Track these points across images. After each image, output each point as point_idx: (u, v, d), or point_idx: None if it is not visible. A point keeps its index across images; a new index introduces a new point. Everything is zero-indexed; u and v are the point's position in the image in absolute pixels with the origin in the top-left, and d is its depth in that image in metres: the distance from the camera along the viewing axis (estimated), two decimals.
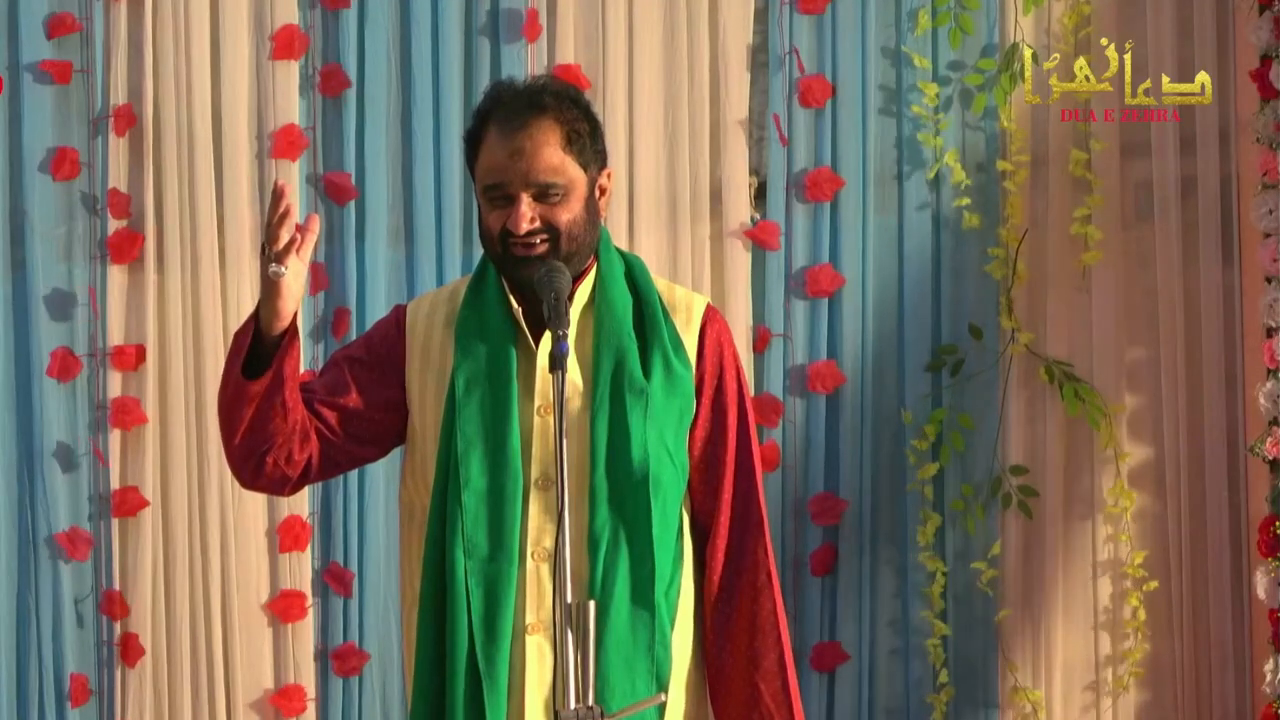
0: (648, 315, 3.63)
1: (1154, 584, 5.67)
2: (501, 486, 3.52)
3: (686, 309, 3.68)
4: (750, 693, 3.63)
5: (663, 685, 3.55)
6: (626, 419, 3.55)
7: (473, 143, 3.59)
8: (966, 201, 5.66)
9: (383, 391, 3.64)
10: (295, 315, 3.47)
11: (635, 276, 3.67)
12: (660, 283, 3.71)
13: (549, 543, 3.53)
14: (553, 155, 3.53)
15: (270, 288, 3.41)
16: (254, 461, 3.58)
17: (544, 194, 3.53)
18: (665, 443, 3.59)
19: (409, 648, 3.64)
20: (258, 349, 3.49)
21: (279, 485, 3.62)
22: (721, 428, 3.66)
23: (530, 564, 3.53)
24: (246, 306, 5.47)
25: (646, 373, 3.58)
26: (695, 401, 3.65)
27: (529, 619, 3.53)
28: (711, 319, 3.70)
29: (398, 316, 3.69)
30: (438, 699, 3.53)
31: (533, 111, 3.54)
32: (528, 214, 3.52)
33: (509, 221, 3.52)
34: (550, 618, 3.52)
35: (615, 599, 3.51)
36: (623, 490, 3.54)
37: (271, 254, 3.39)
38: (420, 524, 3.62)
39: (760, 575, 3.64)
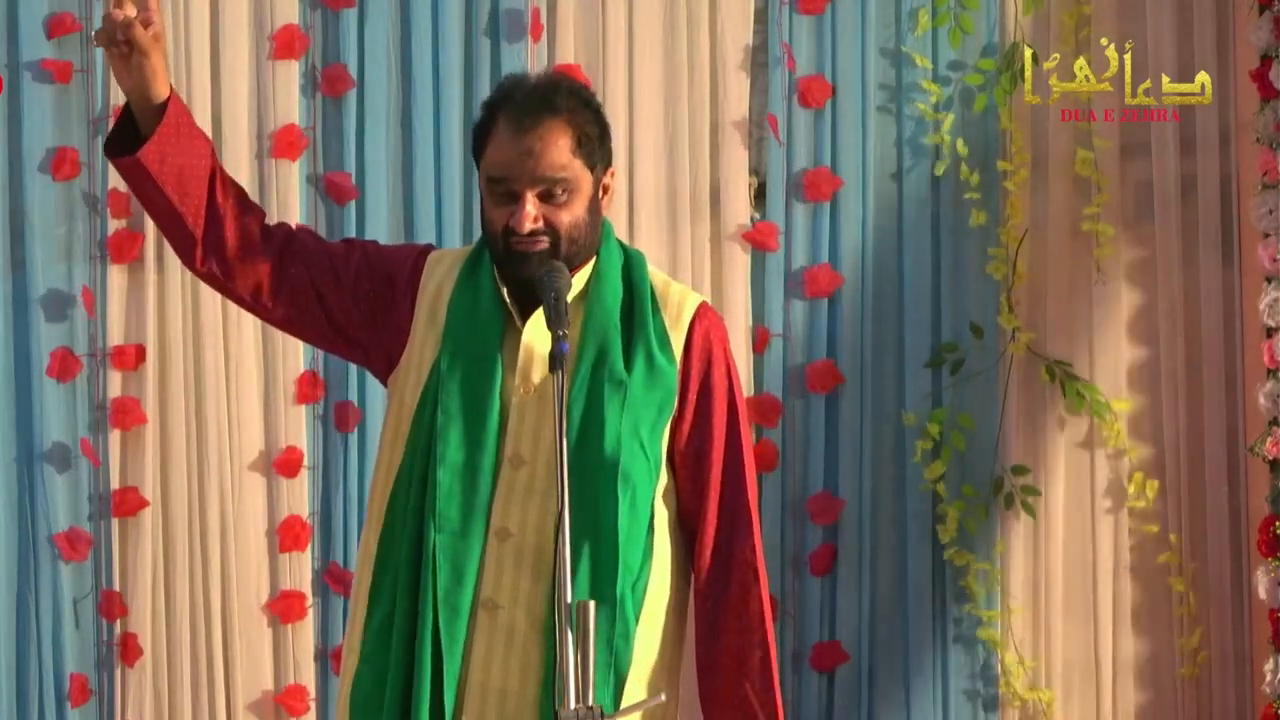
0: (636, 309, 3.64)
1: (1152, 584, 5.67)
2: (476, 463, 3.54)
3: (678, 305, 3.69)
4: (735, 690, 3.63)
5: (621, 680, 3.56)
6: (602, 410, 3.56)
7: (481, 133, 3.60)
8: (966, 201, 5.66)
9: (365, 294, 3.64)
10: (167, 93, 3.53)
11: (632, 270, 3.68)
12: (658, 278, 3.72)
13: (513, 522, 3.54)
14: (561, 156, 3.54)
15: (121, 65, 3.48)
16: (185, 244, 3.63)
17: (549, 194, 3.54)
18: (640, 436, 3.59)
19: (356, 604, 3.64)
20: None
21: (218, 279, 3.67)
22: (707, 425, 3.66)
23: (492, 540, 3.54)
24: None
25: (628, 365, 3.60)
26: (678, 397, 3.65)
27: (484, 594, 3.53)
28: (702, 316, 3.69)
29: (420, 256, 3.69)
30: (398, 666, 3.53)
31: (546, 111, 3.55)
32: (532, 213, 3.53)
33: (512, 220, 3.53)
34: (509, 596, 3.53)
35: (575, 589, 3.51)
36: (591, 481, 3.55)
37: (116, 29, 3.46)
38: (386, 480, 3.62)
39: (747, 574, 3.65)
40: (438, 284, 3.66)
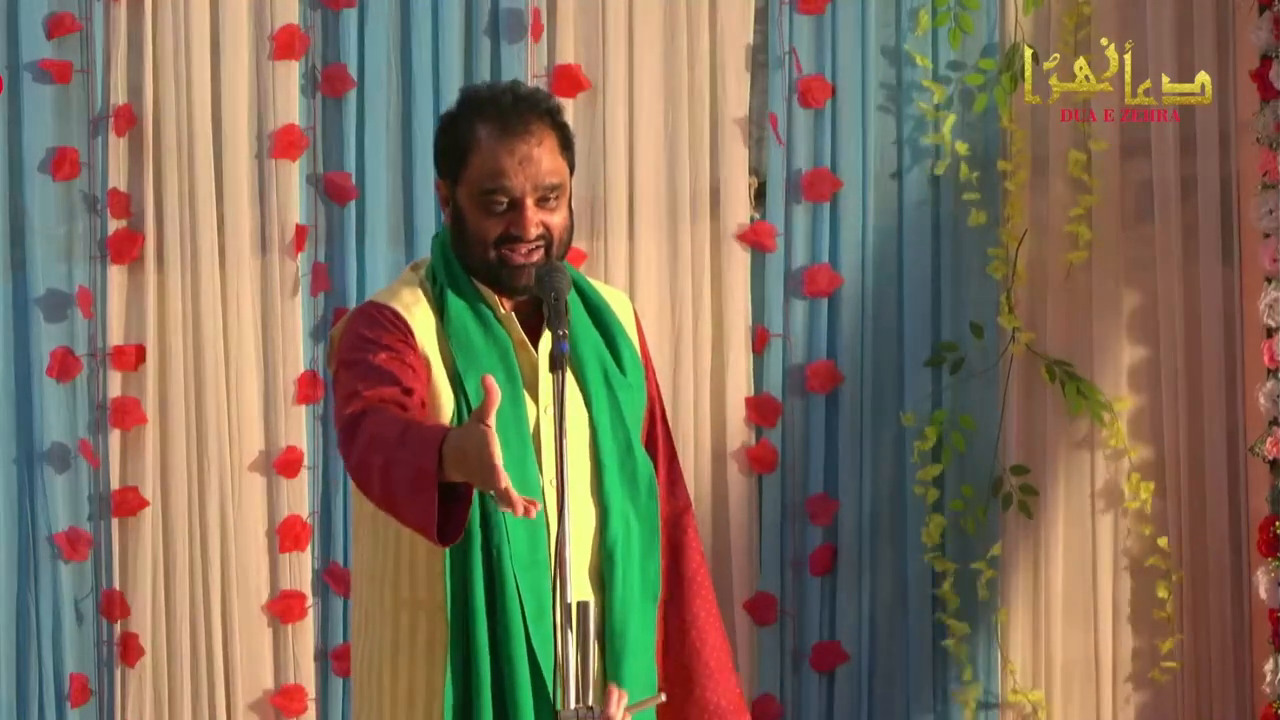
0: (601, 313, 3.65)
1: (1151, 584, 5.68)
2: (528, 493, 3.49)
3: (620, 303, 3.72)
4: (698, 661, 3.65)
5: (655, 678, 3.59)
6: (624, 418, 3.59)
7: (459, 146, 3.55)
8: (966, 201, 5.66)
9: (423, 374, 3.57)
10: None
11: (572, 276, 3.68)
12: (589, 280, 3.74)
13: (568, 544, 3.53)
14: (553, 159, 3.54)
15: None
16: None
17: (544, 198, 3.53)
18: (641, 436, 3.64)
19: (391, 648, 3.60)
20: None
21: None
22: (653, 415, 3.70)
23: (552, 566, 3.53)
24: (246, 306, 5.48)
25: (621, 368, 3.61)
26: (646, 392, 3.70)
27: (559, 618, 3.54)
28: (634, 310, 3.75)
29: (393, 316, 3.57)
30: (496, 704, 3.51)
31: (534, 115, 3.54)
32: (534, 219, 3.51)
33: (514, 226, 3.51)
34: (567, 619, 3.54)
35: (634, 599, 3.53)
36: (633, 489, 3.58)
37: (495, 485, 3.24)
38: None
39: (696, 557, 3.70)
40: (422, 330, 3.57)
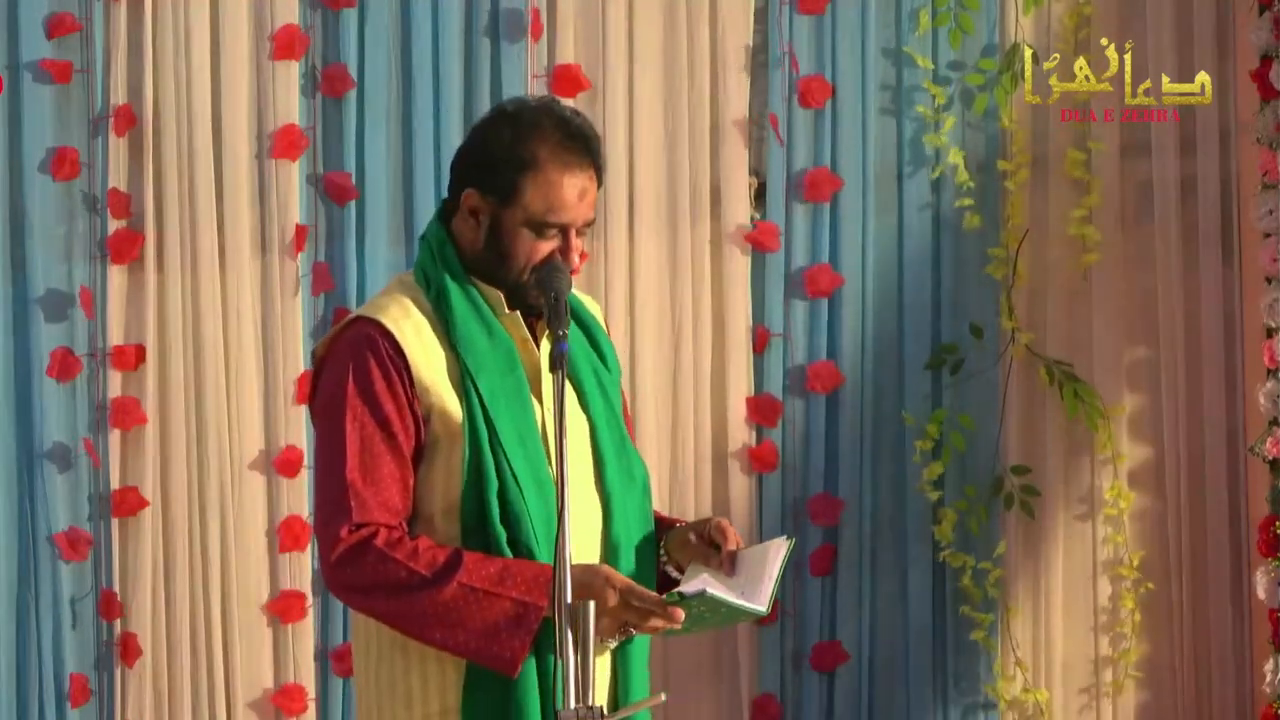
0: (580, 314, 3.67)
1: (1151, 585, 5.68)
2: (544, 491, 3.52)
3: (591, 303, 3.74)
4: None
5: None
6: (617, 416, 3.62)
7: (513, 164, 3.52)
8: (967, 202, 5.66)
9: (410, 449, 3.55)
10: None
11: None
12: None
13: (574, 540, 3.52)
14: (595, 192, 3.57)
15: None
16: None
17: (580, 230, 3.56)
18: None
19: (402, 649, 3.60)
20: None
21: None
22: (624, 413, 3.73)
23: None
24: (246, 306, 5.48)
25: (606, 365, 3.67)
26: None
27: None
28: (603, 312, 3.79)
29: (389, 346, 3.52)
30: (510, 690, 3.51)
31: (591, 151, 3.55)
32: (577, 248, 3.55)
33: (559, 256, 3.52)
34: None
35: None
36: (630, 484, 3.60)
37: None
38: (444, 530, 3.54)
39: None
40: (418, 349, 3.53)
